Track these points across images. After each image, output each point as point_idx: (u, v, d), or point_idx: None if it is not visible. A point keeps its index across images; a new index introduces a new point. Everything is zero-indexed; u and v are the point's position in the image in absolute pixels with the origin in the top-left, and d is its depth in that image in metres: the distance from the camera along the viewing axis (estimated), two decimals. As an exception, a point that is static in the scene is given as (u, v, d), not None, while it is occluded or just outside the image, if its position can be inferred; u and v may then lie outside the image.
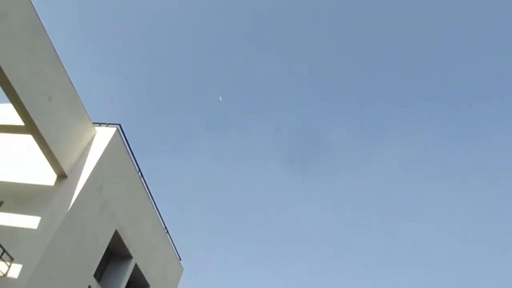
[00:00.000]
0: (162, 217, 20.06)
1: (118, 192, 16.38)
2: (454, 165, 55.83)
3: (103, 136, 15.59)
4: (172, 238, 21.26)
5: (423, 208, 58.32)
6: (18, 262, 12.53)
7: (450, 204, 57.09)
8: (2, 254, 12.29)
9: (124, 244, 16.96)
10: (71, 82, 14.18)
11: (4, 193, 14.42)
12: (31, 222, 13.45)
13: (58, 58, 13.52)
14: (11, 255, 12.52)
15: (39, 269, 12.56)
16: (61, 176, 14.34)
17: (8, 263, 12.45)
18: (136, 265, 17.94)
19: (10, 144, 16.01)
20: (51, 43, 13.20)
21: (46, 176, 14.40)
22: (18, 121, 12.90)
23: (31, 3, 12.34)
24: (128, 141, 16.65)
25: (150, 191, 18.66)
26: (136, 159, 17.35)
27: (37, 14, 12.55)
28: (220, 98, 32.61)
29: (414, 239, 57.92)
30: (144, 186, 18.19)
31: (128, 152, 16.75)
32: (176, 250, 21.89)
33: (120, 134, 16.14)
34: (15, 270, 12.42)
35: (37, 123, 12.77)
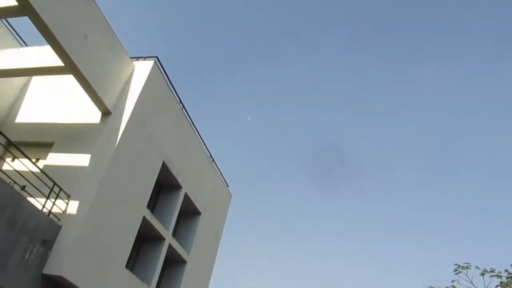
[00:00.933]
0: (207, 146, 20.30)
1: (162, 124, 16.52)
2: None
3: (141, 70, 15.50)
4: (218, 165, 21.61)
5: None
6: (74, 199, 13.00)
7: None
8: (59, 192, 12.76)
9: (172, 174, 17.31)
10: (105, 18, 13.98)
11: (54, 134, 14.77)
12: (82, 160, 13.80)
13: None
14: (68, 192, 12.98)
15: (95, 204, 13.00)
16: (105, 113, 14.49)
17: (66, 201, 12.94)
18: (186, 194, 18.37)
19: (54, 86, 16.21)
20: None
21: (91, 114, 14.59)
22: (58, 62, 12.91)
23: None
24: (167, 72, 16.58)
25: (193, 121, 18.80)
26: (177, 90, 17.35)
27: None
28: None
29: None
30: (186, 117, 18.29)
31: (167, 84, 16.71)
32: (223, 177, 22.28)
33: (158, 67, 16.02)
34: (73, 207, 12.91)
35: (76, 62, 12.75)
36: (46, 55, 13.52)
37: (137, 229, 15.17)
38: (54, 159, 14.13)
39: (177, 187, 18.00)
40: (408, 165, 61.21)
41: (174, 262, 18.34)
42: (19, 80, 16.66)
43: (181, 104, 17.84)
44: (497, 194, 58.13)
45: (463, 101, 57.26)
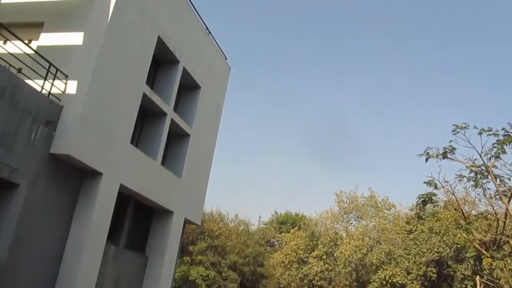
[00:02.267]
0: (202, 18, 19.75)
1: (154, -2, 15.95)
2: None
3: None
4: (215, 38, 21.19)
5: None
6: (72, 79, 12.97)
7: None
8: (56, 72, 12.68)
9: (169, 49, 17.04)
10: None
11: (43, 13, 14.28)
12: (75, 38, 13.52)
13: None
14: (65, 73, 12.89)
15: (93, 82, 12.99)
16: (93, -13, 13.93)
17: (64, 81, 12.90)
18: (184, 68, 18.21)
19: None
20: None
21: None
22: None
23: None
24: None
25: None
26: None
27: None
28: None
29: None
30: (178, -12, 17.60)
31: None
32: (221, 50, 21.94)
33: None
34: (72, 86, 12.92)
35: None
36: None
37: (138, 105, 15.33)
38: (47, 39, 13.84)
39: (175, 61, 17.81)
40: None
41: (177, 136, 18.75)
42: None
43: (172, -26, 17.06)
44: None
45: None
